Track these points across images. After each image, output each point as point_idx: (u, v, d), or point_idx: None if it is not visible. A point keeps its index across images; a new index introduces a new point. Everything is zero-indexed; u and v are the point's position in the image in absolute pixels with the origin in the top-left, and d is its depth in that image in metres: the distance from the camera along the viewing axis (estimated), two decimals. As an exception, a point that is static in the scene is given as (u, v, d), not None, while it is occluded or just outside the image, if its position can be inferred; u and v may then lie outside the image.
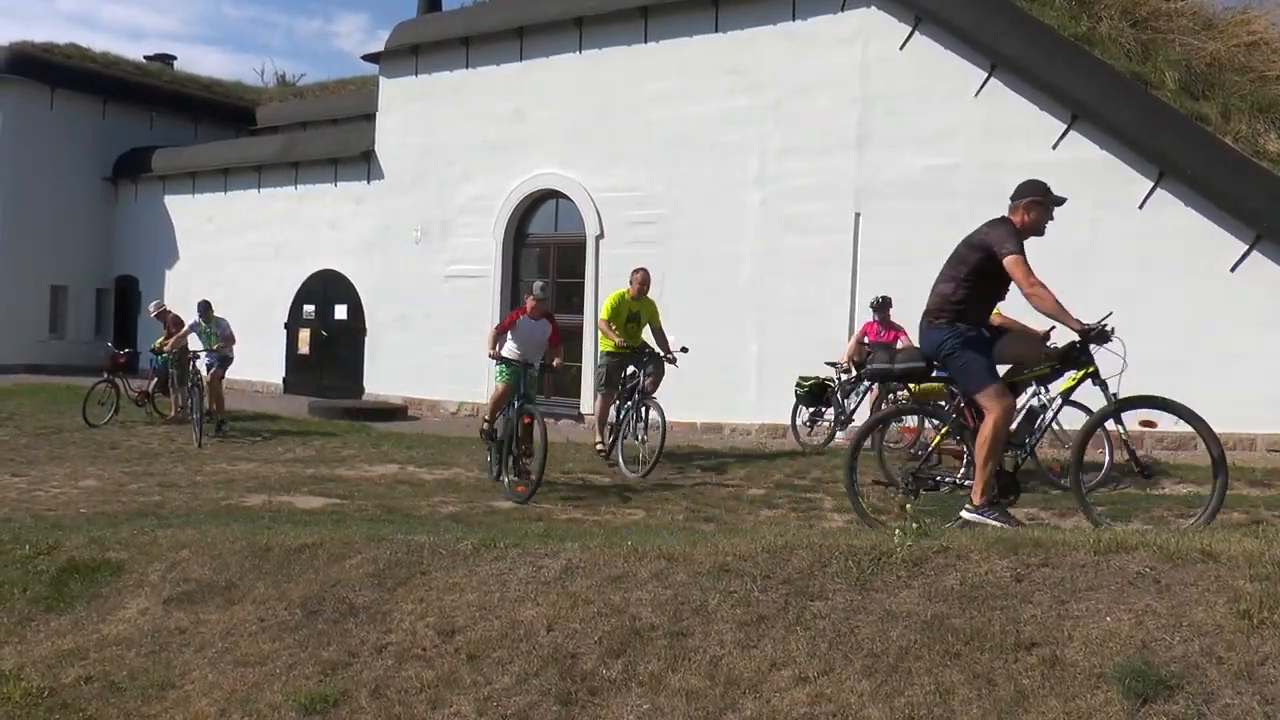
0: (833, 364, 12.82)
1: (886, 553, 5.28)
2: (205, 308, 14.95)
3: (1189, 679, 4.03)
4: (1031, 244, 12.44)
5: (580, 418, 15.97)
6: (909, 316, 13.03)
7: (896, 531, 5.48)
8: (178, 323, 16.31)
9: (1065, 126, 12.31)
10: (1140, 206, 11.90)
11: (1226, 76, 12.34)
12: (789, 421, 13.01)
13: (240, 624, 5.94)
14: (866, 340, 12.29)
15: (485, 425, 10.66)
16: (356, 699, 5.09)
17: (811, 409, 12.88)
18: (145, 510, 8.97)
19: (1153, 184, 11.83)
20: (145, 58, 27.93)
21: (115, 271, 24.52)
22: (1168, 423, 10.25)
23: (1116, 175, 12.04)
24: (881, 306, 12.19)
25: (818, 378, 12.84)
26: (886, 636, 4.67)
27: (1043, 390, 7.53)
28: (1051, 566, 4.95)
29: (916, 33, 13.27)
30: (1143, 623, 4.40)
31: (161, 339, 16.25)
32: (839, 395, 12.61)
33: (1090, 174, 12.16)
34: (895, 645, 4.61)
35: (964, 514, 6.45)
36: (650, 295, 15.45)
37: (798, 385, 12.88)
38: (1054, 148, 12.36)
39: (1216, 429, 10.53)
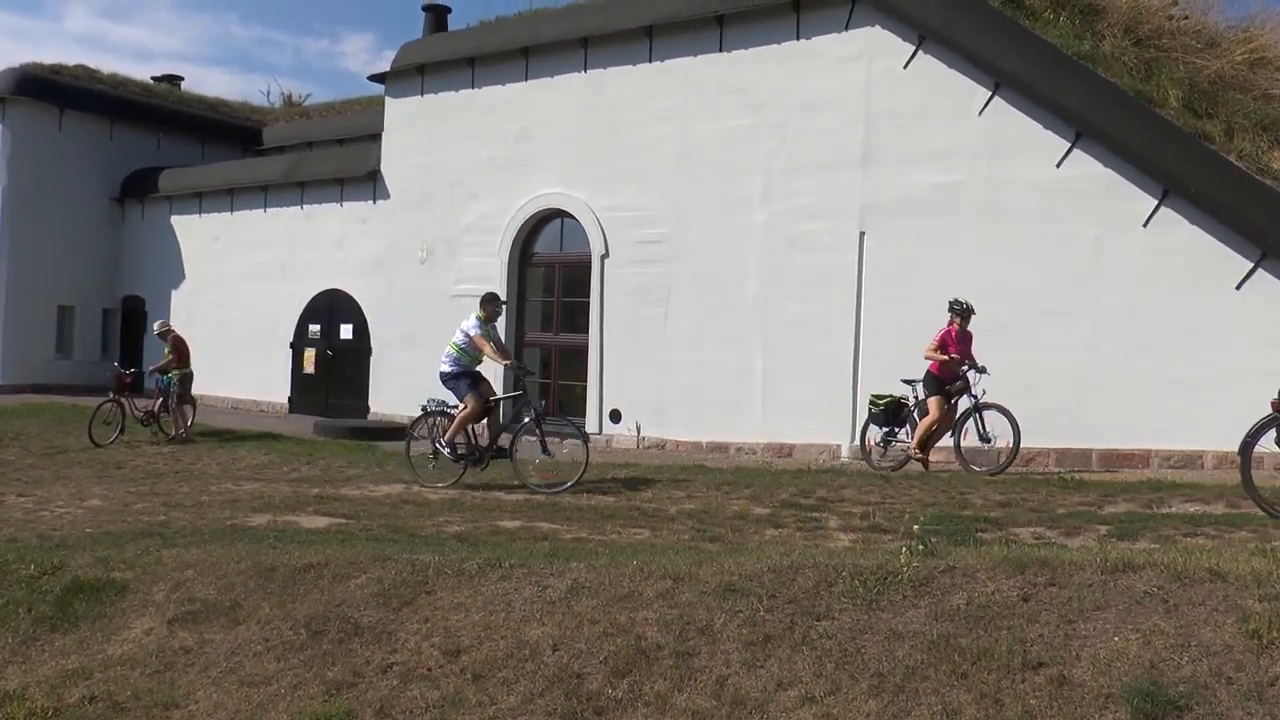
0: (909, 381, 12.07)
1: (893, 572, 5.27)
2: (494, 304, 11.67)
3: (1198, 699, 4.01)
4: (1031, 262, 12.43)
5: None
6: (918, 331, 13.05)
7: (902, 551, 5.47)
8: (178, 344, 16.21)
9: (1069, 144, 12.32)
10: (1144, 224, 11.90)
11: (1230, 94, 12.36)
12: (858, 440, 12.52)
13: (245, 644, 5.93)
14: (950, 350, 11.58)
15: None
16: (362, 719, 5.08)
17: (885, 429, 12.14)
18: (150, 530, 8.96)
19: (1157, 202, 11.84)
20: (153, 78, 28.10)
21: (122, 291, 24.60)
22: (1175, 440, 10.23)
23: (1120, 193, 12.04)
24: (967, 312, 11.68)
25: (893, 395, 12.12)
26: (893, 656, 4.66)
27: None
28: (1059, 586, 4.94)
29: (920, 51, 13.31)
30: (1151, 642, 4.39)
31: (167, 359, 16.17)
32: (916, 414, 11.95)
33: (1094, 192, 12.17)
34: (902, 665, 4.59)
35: None
36: (656, 314, 15.51)
37: (871, 403, 12.24)
38: (1058, 166, 12.38)
39: (1222, 448, 10.57)
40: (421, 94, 18.58)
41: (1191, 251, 11.64)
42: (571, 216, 16.62)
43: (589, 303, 16.25)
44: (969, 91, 12.97)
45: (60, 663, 6.16)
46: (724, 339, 14.68)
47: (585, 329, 16.32)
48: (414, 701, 5.11)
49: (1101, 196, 12.14)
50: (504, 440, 11.20)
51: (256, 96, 42.36)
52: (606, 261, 16.03)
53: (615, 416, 15.73)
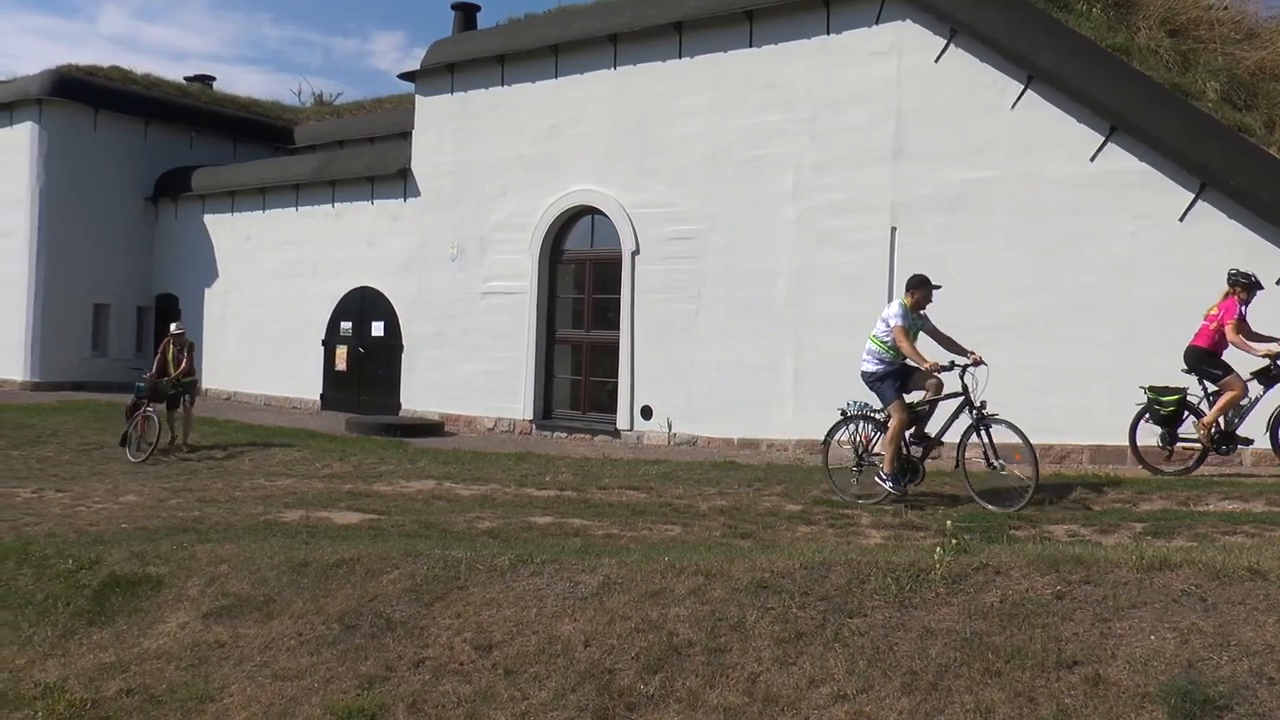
0: (1193, 371, 10.43)
1: (925, 569, 5.25)
2: (924, 288, 9.85)
3: (1238, 700, 3.96)
4: (1064, 258, 12.32)
5: (617, 433, 15.97)
6: (949, 327, 12.98)
7: (936, 548, 5.44)
8: (183, 352, 14.89)
9: (1103, 138, 12.19)
10: (1181, 219, 11.76)
11: (1270, 86, 12.18)
12: (1127, 441, 10.77)
13: (278, 638, 5.98)
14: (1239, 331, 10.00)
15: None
16: (394, 713, 5.11)
17: (1165, 428, 10.43)
18: (184, 525, 9.06)
19: (1194, 196, 11.69)
20: (185, 78, 28.35)
21: (156, 290, 24.84)
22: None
23: (1156, 187, 11.90)
24: (1253, 286, 10.20)
25: (1179, 389, 10.40)
26: (926, 654, 4.63)
27: None
28: (1093, 584, 4.90)
29: (951, 45, 13.20)
30: (1188, 641, 4.34)
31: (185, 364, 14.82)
32: (1205, 406, 10.34)
33: (1129, 186, 12.04)
34: (935, 663, 4.57)
35: None
36: (687, 311, 15.49)
37: (1153, 400, 10.44)
38: (1092, 160, 12.25)
39: (1261, 445, 10.43)
40: (451, 92, 18.64)
41: (1229, 246, 11.48)
42: (602, 213, 16.62)
43: (620, 299, 16.25)
44: (1001, 85, 12.86)
45: (98, 656, 6.24)
46: (755, 335, 14.63)
47: (616, 326, 16.32)
48: (446, 696, 5.13)
49: (1136, 191, 12.00)
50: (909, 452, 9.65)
51: (288, 96, 42.74)
52: (637, 258, 16.03)
53: (646, 413, 15.73)
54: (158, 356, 15.15)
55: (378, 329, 19.95)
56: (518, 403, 17.30)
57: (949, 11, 13.18)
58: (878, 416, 9.81)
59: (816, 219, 14.20)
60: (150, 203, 24.77)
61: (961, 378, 9.37)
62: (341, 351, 20.66)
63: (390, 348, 19.61)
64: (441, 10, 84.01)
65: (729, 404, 14.84)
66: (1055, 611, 4.73)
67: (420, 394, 18.78)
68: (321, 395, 20.90)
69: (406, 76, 19.66)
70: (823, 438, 10.38)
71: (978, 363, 9.29)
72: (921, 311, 9.81)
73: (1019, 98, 12.73)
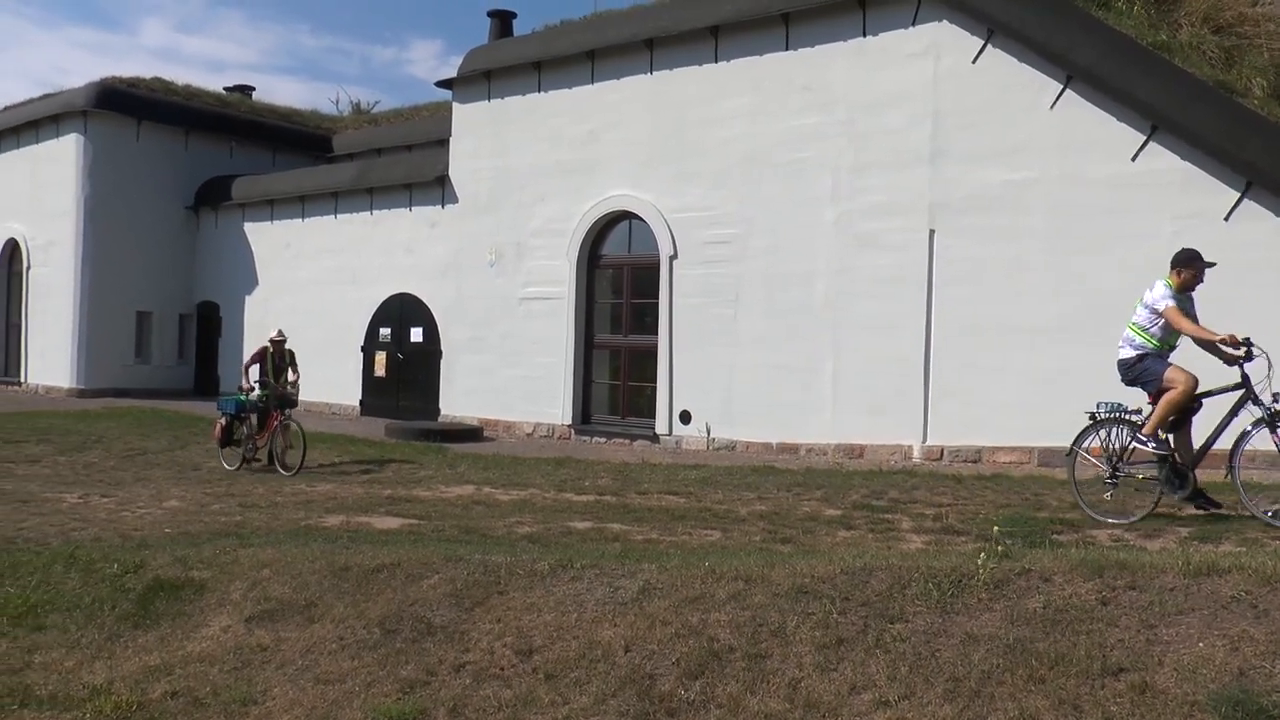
0: None
1: (967, 575, 5.20)
2: (1195, 264, 8.46)
3: (1290, 707, 3.88)
4: (1104, 259, 12.15)
5: (656, 438, 15.96)
6: (988, 330, 12.87)
7: (980, 553, 5.39)
8: (285, 360, 14.07)
9: (1145, 137, 12.04)
10: (1226, 218, 11.59)
11: (1317, 83, 11.99)
12: None
13: (320, 642, 6.02)
14: None
15: None
16: (435, 717, 5.13)
17: None
18: (227, 530, 9.15)
19: (1239, 194, 11.52)
20: (225, 89, 28.73)
21: (197, 297, 25.16)
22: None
23: (1200, 186, 11.74)
24: None
25: None
26: (968, 660, 4.59)
27: None
28: (1139, 589, 4.83)
29: (989, 46, 13.10)
30: (1239, 649, 4.26)
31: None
32: None
33: (1172, 185, 11.88)
34: (977, 669, 4.52)
35: None
36: (725, 315, 15.46)
37: None
38: (1133, 159, 12.11)
39: (1312, 447, 10.14)
40: (488, 99, 18.73)
41: (1277, 245, 11.31)
42: (639, 218, 16.63)
43: (658, 304, 16.25)
44: (1039, 85, 12.74)
45: (143, 659, 6.31)
46: (793, 339, 14.58)
47: (654, 330, 16.32)
48: (487, 700, 5.14)
49: (1179, 190, 11.84)
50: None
51: (326, 105, 43.20)
52: (675, 263, 16.02)
53: (685, 418, 15.71)
54: (250, 365, 14.08)
55: (416, 335, 20.08)
56: (556, 408, 17.34)
57: (986, 11, 13.08)
58: (1134, 418, 8.38)
59: (855, 221, 14.13)
60: (191, 212, 25.11)
61: (1241, 366, 7.87)
62: (380, 357, 20.82)
63: (429, 353, 19.72)
64: (478, 18, 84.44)
65: (768, 408, 14.80)
66: (1100, 618, 4.67)
67: (459, 399, 18.88)
68: (361, 401, 21.06)
69: (444, 84, 19.79)
70: (1069, 446, 8.79)
71: (1258, 350, 7.86)
72: (1190, 294, 8.46)
73: (1058, 97, 12.61)
